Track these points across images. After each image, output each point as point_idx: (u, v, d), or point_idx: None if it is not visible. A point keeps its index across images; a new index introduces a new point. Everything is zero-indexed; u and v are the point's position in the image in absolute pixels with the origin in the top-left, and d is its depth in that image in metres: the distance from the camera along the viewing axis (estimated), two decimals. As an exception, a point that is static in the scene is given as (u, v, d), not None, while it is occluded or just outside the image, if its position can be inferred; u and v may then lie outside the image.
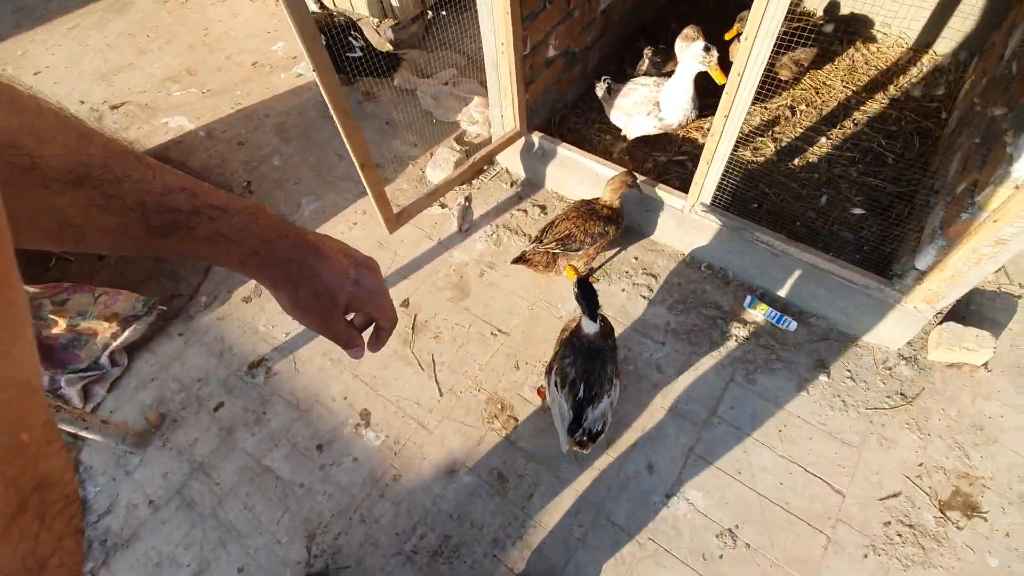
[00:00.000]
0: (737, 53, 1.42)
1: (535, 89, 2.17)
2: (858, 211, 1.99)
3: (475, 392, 1.79)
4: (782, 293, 1.91)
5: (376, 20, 3.04)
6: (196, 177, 0.47)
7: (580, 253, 1.83)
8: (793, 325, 1.82)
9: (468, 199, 2.29)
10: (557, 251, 1.81)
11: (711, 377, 1.77)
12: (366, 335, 0.60)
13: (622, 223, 1.90)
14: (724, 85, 1.50)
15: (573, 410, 1.38)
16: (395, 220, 1.88)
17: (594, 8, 2.28)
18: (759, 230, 1.83)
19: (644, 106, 2.07)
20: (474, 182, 2.36)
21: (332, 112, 1.48)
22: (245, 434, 1.76)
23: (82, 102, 2.94)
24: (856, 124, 2.30)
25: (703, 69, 1.91)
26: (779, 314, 1.84)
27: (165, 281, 2.16)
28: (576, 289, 1.37)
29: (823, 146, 2.24)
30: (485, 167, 2.39)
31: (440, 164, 2.30)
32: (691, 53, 1.89)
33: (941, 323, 1.75)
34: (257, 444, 1.74)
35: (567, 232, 1.80)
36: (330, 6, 3.24)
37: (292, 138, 2.61)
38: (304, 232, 0.53)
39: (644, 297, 1.96)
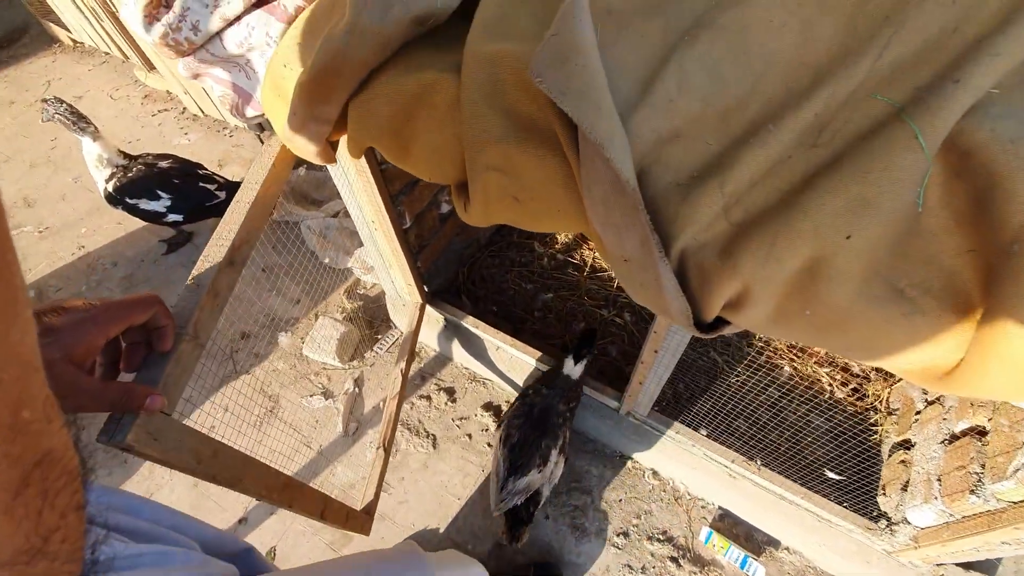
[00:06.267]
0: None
1: (432, 251, 1.75)
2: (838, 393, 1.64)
3: None
4: (745, 516, 1.53)
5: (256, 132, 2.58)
6: None
7: None
8: (761, 572, 1.43)
9: (358, 384, 1.84)
10: None
11: (663, 658, 1.36)
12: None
13: None
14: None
15: (507, 471, 1.33)
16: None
17: (500, 141, 1.88)
18: (711, 446, 1.45)
19: None
20: (367, 355, 1.91)
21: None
22: None
23: None
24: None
25: None
26: (743, 555, 1.45)
27: None
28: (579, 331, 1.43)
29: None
30: (379, 336, 1.94)
31: (320, 343, 1.85)
32: None
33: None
34: None
35: None
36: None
37: (143, 298, 2.11)
38: None
39: (576, 527, 1.55)
